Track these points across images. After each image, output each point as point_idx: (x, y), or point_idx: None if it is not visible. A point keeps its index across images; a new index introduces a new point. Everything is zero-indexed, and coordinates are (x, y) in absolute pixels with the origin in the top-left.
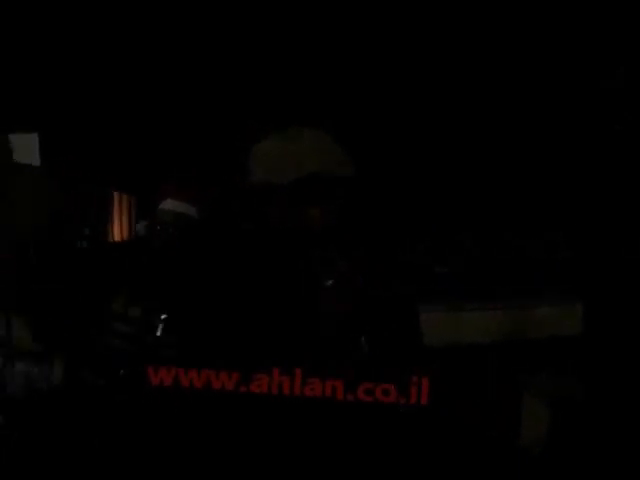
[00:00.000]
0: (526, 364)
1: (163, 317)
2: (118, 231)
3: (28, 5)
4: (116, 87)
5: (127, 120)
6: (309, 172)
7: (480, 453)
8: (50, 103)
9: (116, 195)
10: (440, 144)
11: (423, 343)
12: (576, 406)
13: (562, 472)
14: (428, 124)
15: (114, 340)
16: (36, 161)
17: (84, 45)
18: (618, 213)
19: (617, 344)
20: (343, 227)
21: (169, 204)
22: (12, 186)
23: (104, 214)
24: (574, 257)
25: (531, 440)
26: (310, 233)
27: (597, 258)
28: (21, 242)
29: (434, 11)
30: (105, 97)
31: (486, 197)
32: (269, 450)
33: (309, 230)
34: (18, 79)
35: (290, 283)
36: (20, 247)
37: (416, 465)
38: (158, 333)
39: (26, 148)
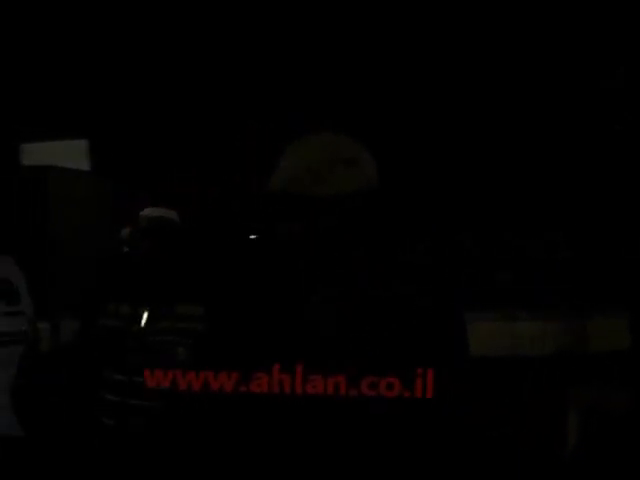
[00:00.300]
0: (575, 376)
1: (149, 308)
2: None
3: (80, 22)
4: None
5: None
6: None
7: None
8: (98, 111)
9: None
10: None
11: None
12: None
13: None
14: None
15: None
16: (85, 166)
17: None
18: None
19: None
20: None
21: (147, 210)
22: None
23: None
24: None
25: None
26: (298, 245)
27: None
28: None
29: (432, 13)
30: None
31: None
32: (270, 450)
33: (296, 243)
34: (69, 91)
35: (285, 284)
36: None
37: (420, 463)
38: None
39: (76, 153)
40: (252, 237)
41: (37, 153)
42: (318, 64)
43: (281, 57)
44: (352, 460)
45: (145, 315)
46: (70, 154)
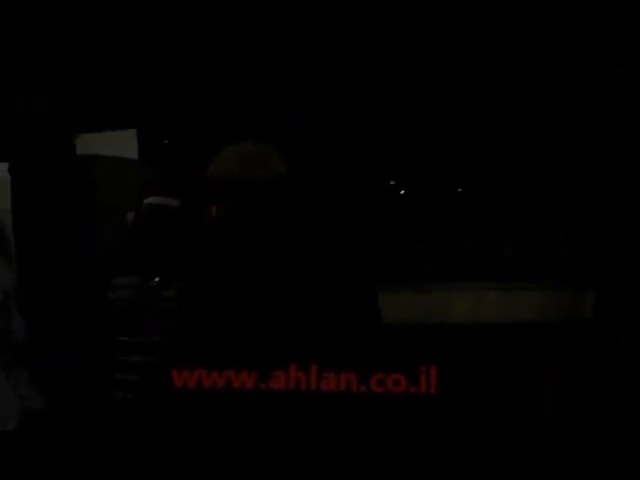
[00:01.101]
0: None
1: (157, 280)
2: None
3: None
4: None
5: None
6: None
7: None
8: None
9: None
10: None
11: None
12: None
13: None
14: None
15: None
16: (135, 155)
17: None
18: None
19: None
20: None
21: (149, 199)
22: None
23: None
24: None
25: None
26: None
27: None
28: None
29: (430, 14)
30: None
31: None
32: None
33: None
34: (120, 82)
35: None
36: None
37: (421, 458)
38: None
39: (126, 143)
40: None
41: (90, 143)
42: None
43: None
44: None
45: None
46: (122, 143)
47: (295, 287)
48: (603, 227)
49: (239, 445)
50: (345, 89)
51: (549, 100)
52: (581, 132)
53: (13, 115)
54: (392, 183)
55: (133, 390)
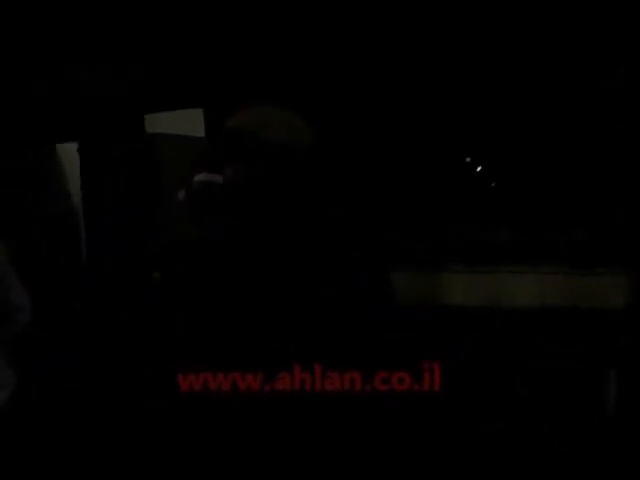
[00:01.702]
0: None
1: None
2: None
3: None
4: None
5: None
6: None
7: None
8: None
9: None
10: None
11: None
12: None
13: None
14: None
15: None
16: (202, 134)
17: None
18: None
19: None
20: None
21: (200, 176)
22: None
23: None
24: None
25: None
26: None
27: None
28: None
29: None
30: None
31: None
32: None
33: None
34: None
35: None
36: None
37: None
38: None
39: (192, 122)
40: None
41: (159, 122)
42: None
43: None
44: None
45: None
46: (190, 123)
47: (303, 283)
48: None
49: (244, 447)
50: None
51: (549, 99)
52: (581, 132)
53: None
54: (468, 160)
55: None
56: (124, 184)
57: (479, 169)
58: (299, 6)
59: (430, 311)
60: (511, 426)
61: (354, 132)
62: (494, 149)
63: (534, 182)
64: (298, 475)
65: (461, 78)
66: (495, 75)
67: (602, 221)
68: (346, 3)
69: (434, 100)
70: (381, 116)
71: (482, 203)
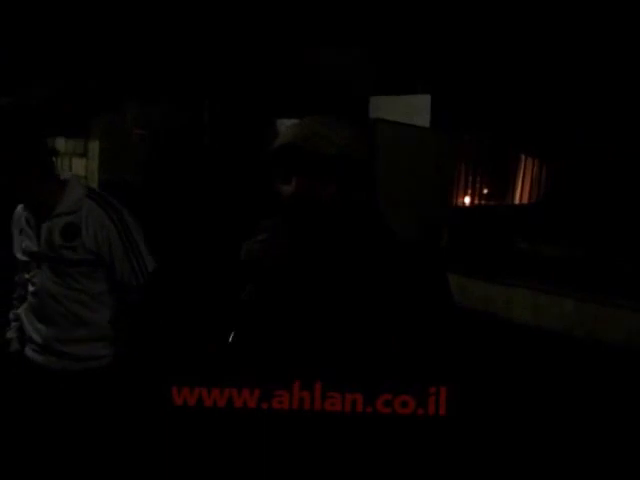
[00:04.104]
0: None
1: None
2: (519, 193)
3: None
4: None
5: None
6: (284, 142)
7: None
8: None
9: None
10: None
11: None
12: None
13: None
14: None
15: None
16: (426, 121)
17: None
18: None
19: None
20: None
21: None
22: None
23: None
24: None
25: None
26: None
27: None
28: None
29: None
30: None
31: None
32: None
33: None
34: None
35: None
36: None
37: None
38: None
39: (419, 109)
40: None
41: (384, 107)
42: None
43: None
44: None
45: None
46: (415, 109)
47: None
48: None
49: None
50: None
51: None
52: None
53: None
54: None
55: None
56: None
57: None
58: None
59: None
60: None
61: None
62: None
63: None
64: None
65: None
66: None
67: None
68: None
69: None
70: None
71: None
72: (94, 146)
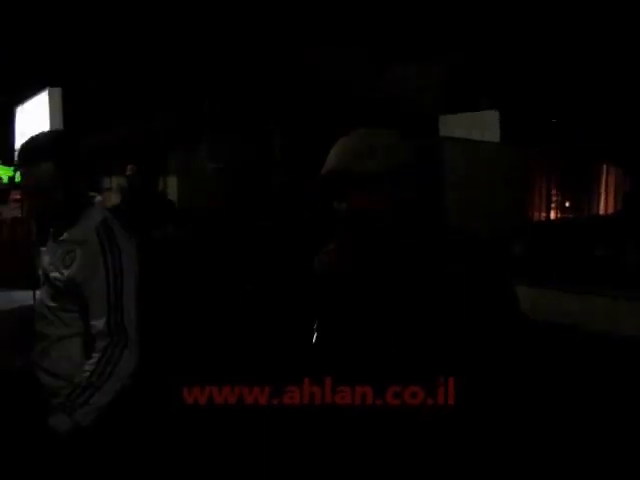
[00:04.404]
0: None
1: None
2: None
3: None
4: None
5: None
6: (329, 169)
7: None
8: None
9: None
10: None
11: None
12: None
13: None
14: None
15: None
16: (496, 136)
17: None
18: None
19: None
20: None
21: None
22: None
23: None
24: None
25: None
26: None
27: None
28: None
29: None
30: None
31: None
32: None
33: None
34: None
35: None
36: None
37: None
38: None
39: (489, 124)
40: None
41: (452, 124)
42: None
43: None
44: None
45: None
46: (485, 124)
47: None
48: None
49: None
50: None
51: None
52: None
53: None
54: None
55: None
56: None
57: None
58: None
59: None
60: None
61: None
62: None
63: None
64: None
65: None
66: None
67: None
68: None
69: None
70: None
71: None
72: (172, 182)
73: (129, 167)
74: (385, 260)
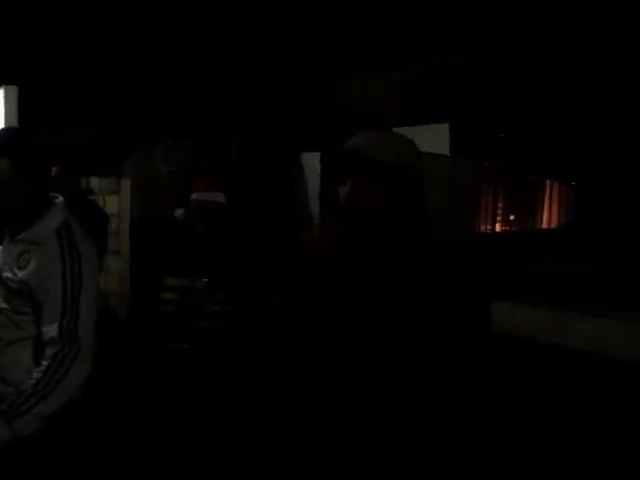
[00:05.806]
0: None
1: (204, 280)
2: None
3: None
4: None
5: None
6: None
7: None
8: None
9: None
10: None
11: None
12: None
13: None
14: None
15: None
16: (446, 150)
17: None
18: None
19: None
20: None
21: (195, 195)
22: None
23: None
24: None
25: None
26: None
27: None
28: None
29: None
30: None
31: None
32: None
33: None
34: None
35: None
36: None
37: None
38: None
39: (438, 138)
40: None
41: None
42: None
43: None
44: None
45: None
46: (433, 138)
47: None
48: None
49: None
50: None
51: None
52: None
53: None
54: None
55: None
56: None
57: None
58: None
59: None
60: None
61: None
62: None
63: None
64: None
65: None
66: None
67: None
68: None
69: None
70: None
71: None
72: (126, 184)
73: (54, 169)
74: (378, 258)
